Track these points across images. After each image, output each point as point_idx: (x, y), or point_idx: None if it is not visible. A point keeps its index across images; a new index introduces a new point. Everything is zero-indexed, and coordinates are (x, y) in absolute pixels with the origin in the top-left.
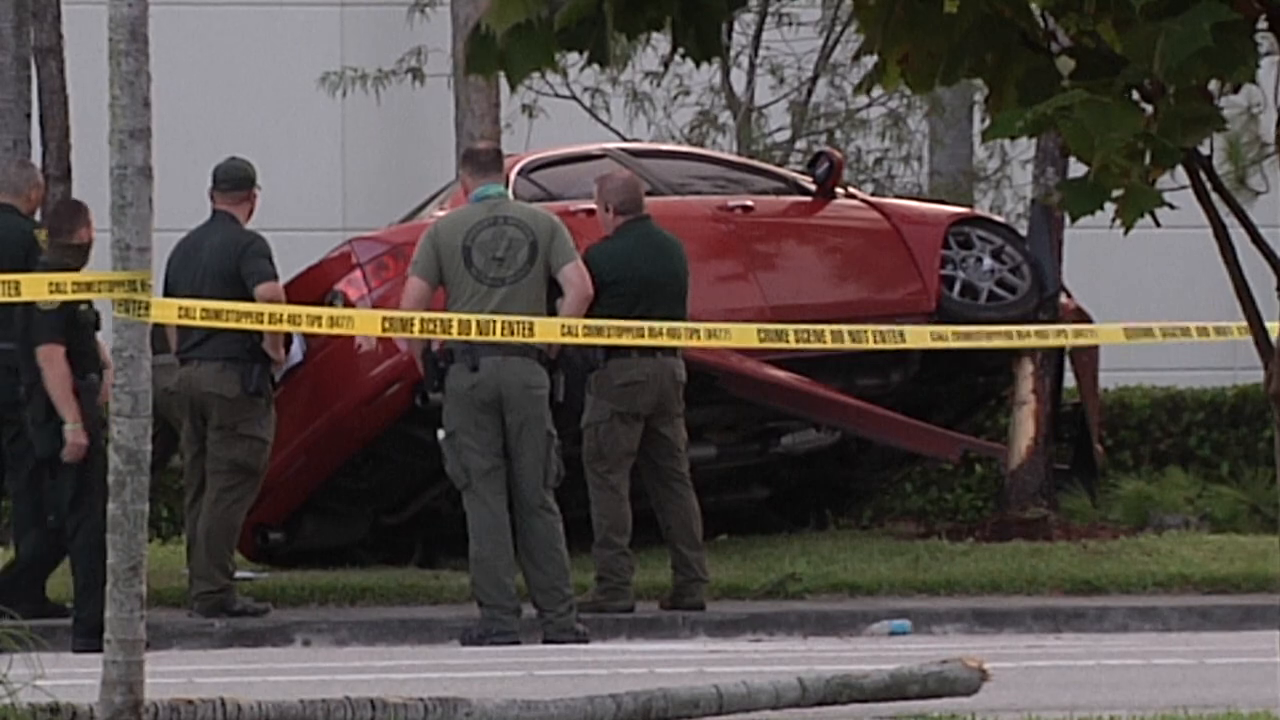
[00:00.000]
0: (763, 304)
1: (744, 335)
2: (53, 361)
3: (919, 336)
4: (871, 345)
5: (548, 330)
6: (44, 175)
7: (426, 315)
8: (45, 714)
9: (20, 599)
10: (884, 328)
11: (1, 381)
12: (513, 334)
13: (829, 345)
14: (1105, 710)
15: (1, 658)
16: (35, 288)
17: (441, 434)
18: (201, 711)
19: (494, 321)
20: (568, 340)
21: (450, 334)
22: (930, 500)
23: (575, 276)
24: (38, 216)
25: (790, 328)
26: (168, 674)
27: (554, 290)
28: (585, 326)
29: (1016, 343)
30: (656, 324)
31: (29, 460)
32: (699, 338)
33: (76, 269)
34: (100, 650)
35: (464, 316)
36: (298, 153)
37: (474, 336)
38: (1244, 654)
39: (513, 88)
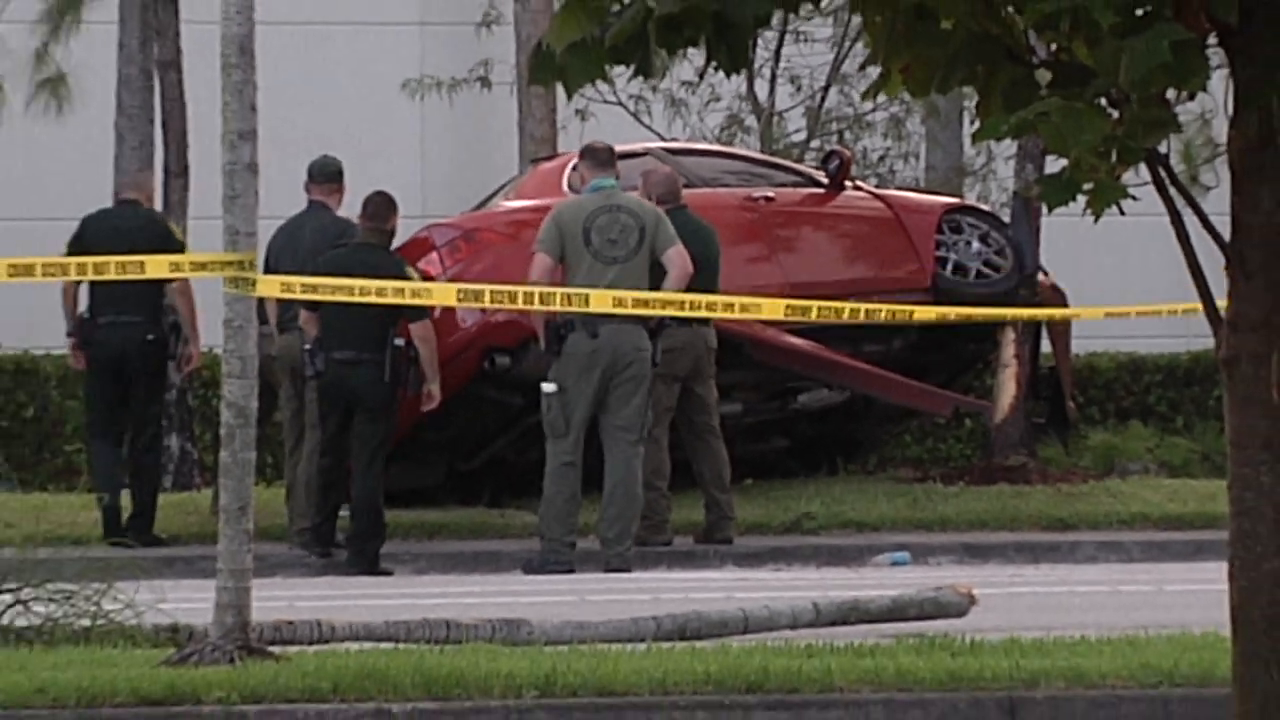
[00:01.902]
0: (783, 281)
1: (773, 309)
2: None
3: (925, 314)
4: (884, 320)
5: (600, 301)
6: (165, 171)
7: (496, 287)
8: (166, 633)
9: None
10: (895, 306)
11: (136, 350)
12: (570, 304)
13: (846, 320)
14: (1077, 630)
15: (129, 584)
16: (157, 267)
17: (550, 388)
18: (300, 630)
19: (554, 294)
20: (619, 310)
21: (514, 304)
22: (926, 449)
23: (677, 258)
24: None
25: (814, 304)
26: (271, 599)
27: (657, 269)
28: (634, 299)
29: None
30: (696, 297)
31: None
32: (733, 310)
33: (385, 248)
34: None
35: (528, 289)
36: (383, 150)
37: (536, 307)
38: (1196, 582)
39: (569, 96)
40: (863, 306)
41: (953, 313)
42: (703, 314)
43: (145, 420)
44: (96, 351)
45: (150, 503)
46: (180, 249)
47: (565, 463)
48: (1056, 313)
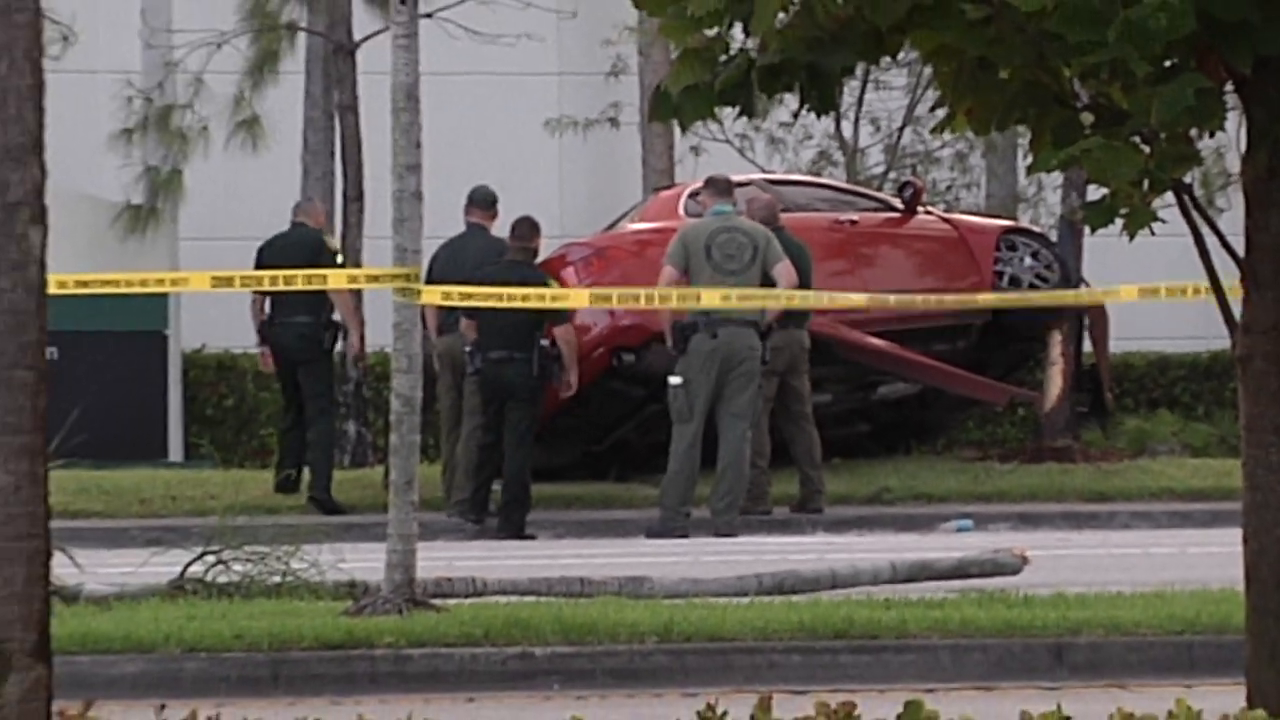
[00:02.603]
0: (865, 290)
1: (854, 298)
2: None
3: (987, 298)
4: (947, 307)
5: (710, 298)
6: (344, 198)
7: (623, 291)
8: (345, 588)
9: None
10: (954, 296)
11: (299, 344)
12: (683, 301)
13: (918, 308)
14: (1113, 586)
15: (313, 547)
16: (337, 280)
17: (675, 380)
18: (457, 586)
19: (670, 294)
20: (726, 305)
21: (637, 306)
22: (986, 433)
23: (784, 272)
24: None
25: (891, 296)
26: (433, 560)
27: (767, 281)
28: (739, 295)
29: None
30: (795, 292)
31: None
32: (823, 303)
33: (530, 264)
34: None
35: (648, 291)
36: (527, 180)
37: (654, 305)
38: (1215, 546)
39: (684, 131)
40: (933, 297)
41: (1010, 299)
42: (796, 305)
43: (313, 401)
44: (273, 348)
45: (323, 470)
46: (333, 260)
47: (689, 443)
48: (1098, 295)
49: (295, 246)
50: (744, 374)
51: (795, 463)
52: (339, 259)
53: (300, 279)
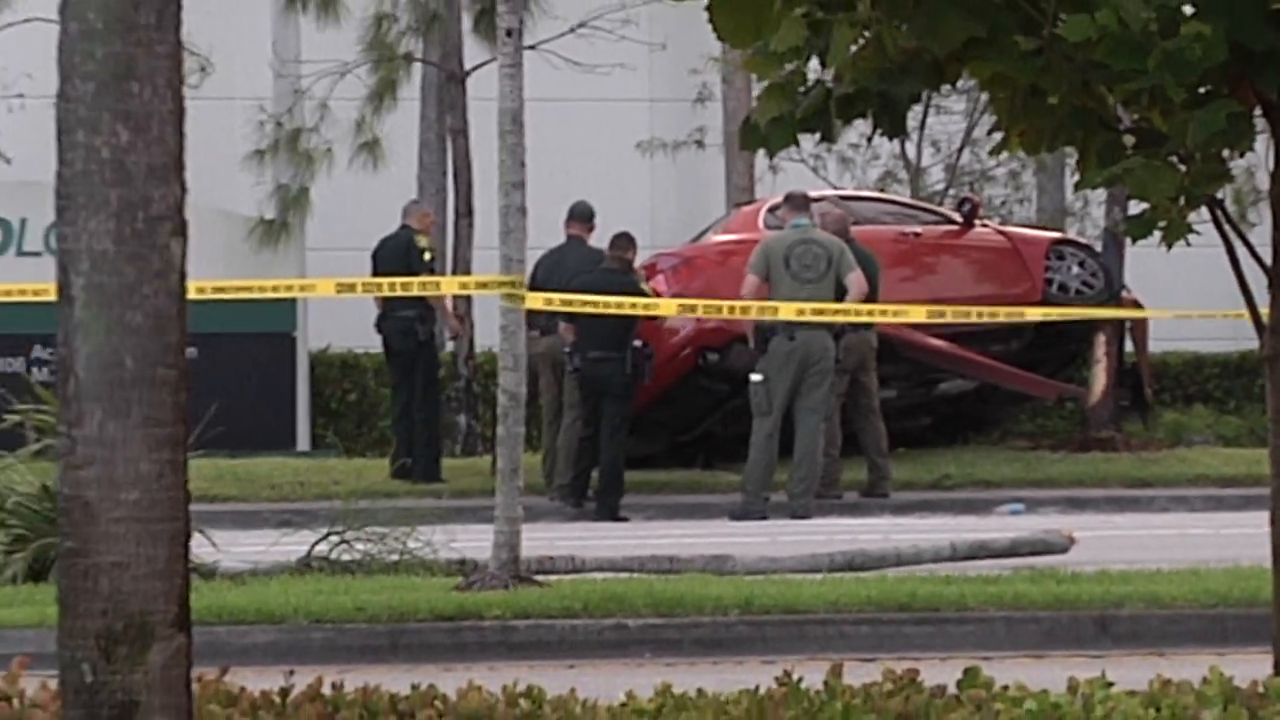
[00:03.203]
0: (928, 296)
1: (916, 313)
2: None
3: (1033, 312)
4: (998, 320)
5: (788, 310)
6: (455, 213)
7: (708, 301)
8: (456, 565)
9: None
10: (1007, 308)
11: (400, 336)
12: (761, 313)
13: (972, 320)
14: (1154, 564)
15: (428, 528)
16: (449, 285)
17: (758, 378)
18: (558, 563)
19: (749, 306)
20: (800, 318)
21: (720, 314)
22: (1037, 425)
23: (856, 281)
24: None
25: (948, 308)
26: (536, 540)
27: (840, 289)
28: (813, 309)
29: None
30: (862, 305)
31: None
32: (888, 315)
33: (625, 272)
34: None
35: (733, 301)
36: (622, 195)
37: (734, 315)
38: (1245, 527)
39: (771, 158)
40: (985, 309)
41: (1055, 313)
42: (865, 319)
43: (423, 388)
44: (383, 339)
45: (431, 449)
46: (420, 258)
47: (768, 434)
48: (1135, 313)
49: (393, 247)
50: (819, 372)
51: (864, 452)
52: (426, 256)
53: (415, 286)
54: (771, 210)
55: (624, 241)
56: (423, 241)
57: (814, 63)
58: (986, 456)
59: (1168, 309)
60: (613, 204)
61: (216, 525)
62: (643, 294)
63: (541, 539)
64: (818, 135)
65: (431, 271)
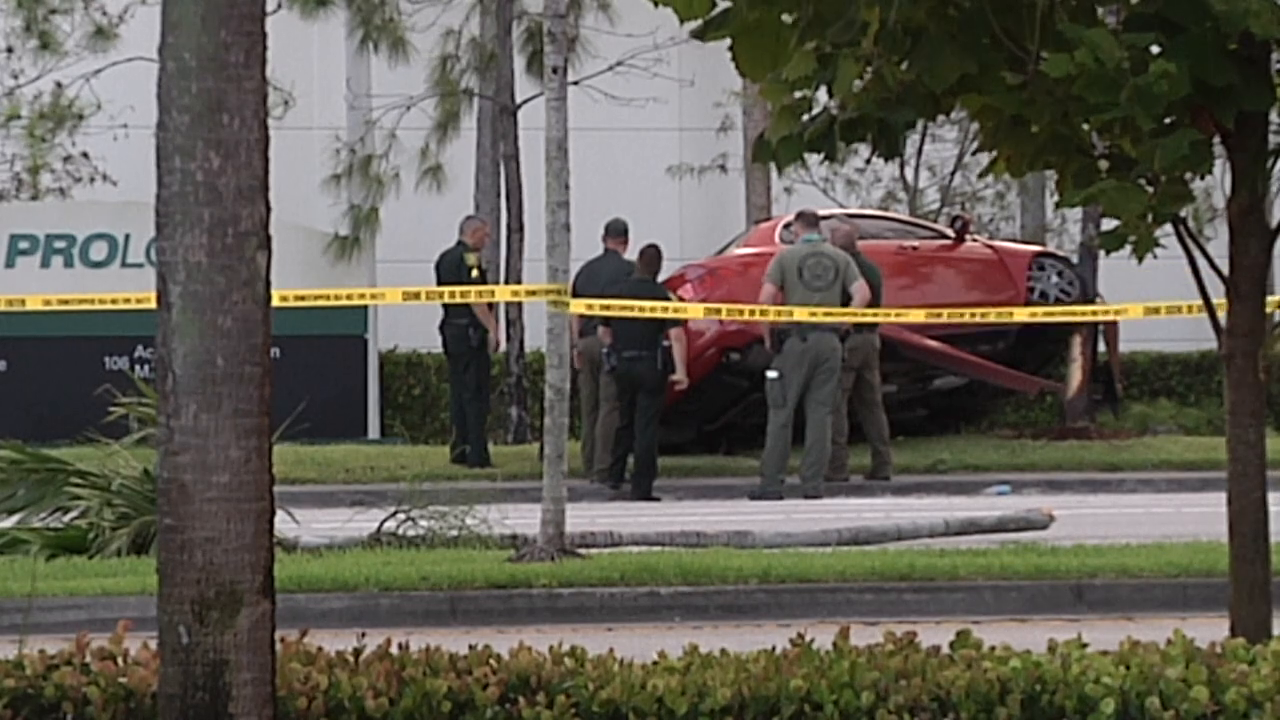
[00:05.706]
0: (924, 303)
1: (915, 315)
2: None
3: (1021, 313)
4: (991, 322)
5: (801, 313)
6: (507, 229)
7: (732, 305)
8: (508, 540)
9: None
10: (996, 309)
11: (455, 340)
12: (778, 315)
13: (966, 320)
14: (1124, 539)
15: (484, 507)
16: (502, 293)
17: (773, 375)
18: (598, 538)
19: (767, 310)
20: (814, 319)
21: (741, 317)
22: (1020, 416)
23: (860, 289)
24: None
25: (944, 310)
26: (578, 517)
27: (847, 296)
28: (824, 311)
29: (1078, 318)
30: (867, 309)
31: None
32: (890, 317)
33: (654, 282)
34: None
35: (752, 306)
36: (653, 213)
37: (753, 319)
38: (1204, 506)
39: (779, 172)
40: (978, 311)
41: (1040, 312)
42: (869, 320)
43: (475, 387)
44: (443, 342)
45: (477, 438)
46: (468, 272)
47: (782, 425)
48: (1111, 310)
49: (448, 263)
50: (828, 370)
51: (868, 440)
52: (474, 273)
53: (473, 294)
54: (786, 227)
55: (653, 255)
56: (470, 259)
57: (822, 92)
58: (976, 444)
59: (1137, 317)
60: (646, 221)
61: (297, 505)
62: (667, 298)
63: (583, 517)
64: (823, 156)
65: (482, 283)
